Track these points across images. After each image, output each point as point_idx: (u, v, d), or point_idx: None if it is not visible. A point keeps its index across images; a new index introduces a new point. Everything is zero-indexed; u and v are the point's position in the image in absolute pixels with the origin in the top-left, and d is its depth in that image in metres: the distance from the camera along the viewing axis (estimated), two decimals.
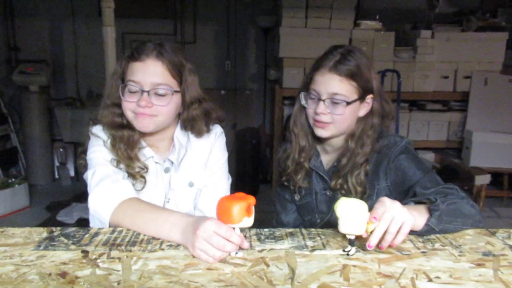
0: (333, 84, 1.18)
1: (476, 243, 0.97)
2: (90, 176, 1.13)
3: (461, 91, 4.02)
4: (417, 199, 1.05)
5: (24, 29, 4.31)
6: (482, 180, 3.65)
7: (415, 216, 0.94)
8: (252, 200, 0.87)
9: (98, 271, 0.81)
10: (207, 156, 1.27)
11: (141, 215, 1.00)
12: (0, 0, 4.19)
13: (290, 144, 1.34)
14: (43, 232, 0.98)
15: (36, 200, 3.64)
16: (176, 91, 1.16)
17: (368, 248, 0.89)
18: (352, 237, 0.90)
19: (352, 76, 1.18)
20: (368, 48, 3.81)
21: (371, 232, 0.89)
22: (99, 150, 1.16)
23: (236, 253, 0.88)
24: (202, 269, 0.82)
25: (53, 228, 1.01)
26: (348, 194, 1.24)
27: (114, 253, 0.88)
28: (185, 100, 1.18)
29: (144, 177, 1.18)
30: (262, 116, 4.69)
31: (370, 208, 0.90)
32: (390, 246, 0.91)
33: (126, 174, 1.16)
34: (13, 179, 3.58)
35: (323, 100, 1.20)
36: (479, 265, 0.86)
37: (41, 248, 0.90)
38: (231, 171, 1.35)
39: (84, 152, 1.21)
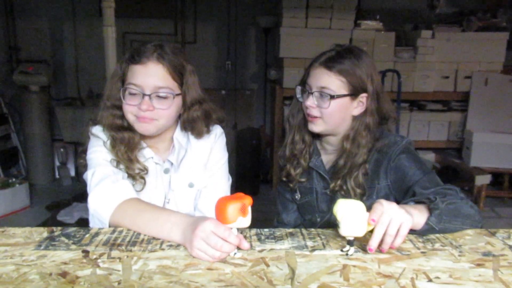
0: (322, 78, 1.21)
1: (476, 243, 0.97)
2: (90, 176, 1.13)
3: (461, 91, 4.01)
4: (417, 198, 1.06)
5: (25, 29, 4.31)
6: (483, 180, 3.65)
7: (415, 215, 0.95)
8: (247, 200, 0.87)
9: (99, 271, 0.81)
10: (207, 156, 1.27)
11: (141, 215, 1.00)
12: (1, 0, 4.19)
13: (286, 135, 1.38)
14: (43, 232, 0.98)
15: (36, 200, 3.64)
16: (177, 94, 1.16)
17: (369, 252, 0.89)
18: (351, 238, 0.90)
19: (341, 72, 1.20)
20: (368, 48, 3.80)
21: (371, 232, 0.89)
22: (99, 150, 1.16)
23: (235, 253, 0.88)
24: (202, 269, 0.83)
25: (54, 228, 1.01)
26: (347, 195, 1.24)
27: (115, 253, 0.89)
28: (185, 101, 1.18)
29: (144, 178, 1.18)
30: (263, 116, 4.68)
31: (369, 208, 0.90)
32: (390, 248, 0.91)
33: (126, 174, 1.16)
34: (14, 179, 3.58)
35: (312, 93, 1.23)
36: (479, 265, 0.86)
37: (42, 248, 0.90)
38: (231, 171, 1.35)
39: (85, 152, 1.21)
